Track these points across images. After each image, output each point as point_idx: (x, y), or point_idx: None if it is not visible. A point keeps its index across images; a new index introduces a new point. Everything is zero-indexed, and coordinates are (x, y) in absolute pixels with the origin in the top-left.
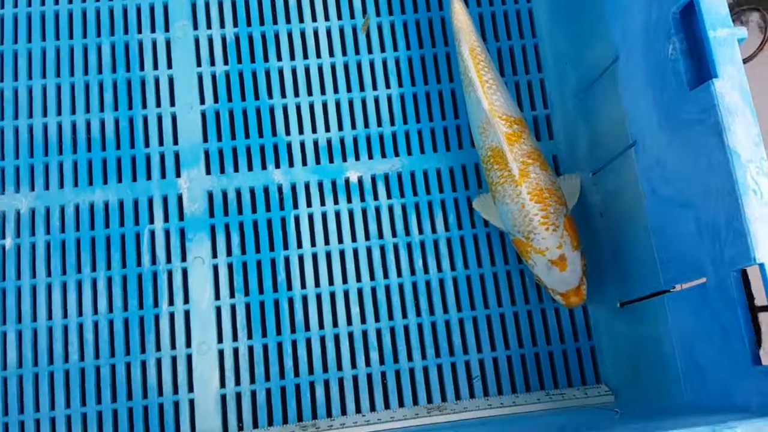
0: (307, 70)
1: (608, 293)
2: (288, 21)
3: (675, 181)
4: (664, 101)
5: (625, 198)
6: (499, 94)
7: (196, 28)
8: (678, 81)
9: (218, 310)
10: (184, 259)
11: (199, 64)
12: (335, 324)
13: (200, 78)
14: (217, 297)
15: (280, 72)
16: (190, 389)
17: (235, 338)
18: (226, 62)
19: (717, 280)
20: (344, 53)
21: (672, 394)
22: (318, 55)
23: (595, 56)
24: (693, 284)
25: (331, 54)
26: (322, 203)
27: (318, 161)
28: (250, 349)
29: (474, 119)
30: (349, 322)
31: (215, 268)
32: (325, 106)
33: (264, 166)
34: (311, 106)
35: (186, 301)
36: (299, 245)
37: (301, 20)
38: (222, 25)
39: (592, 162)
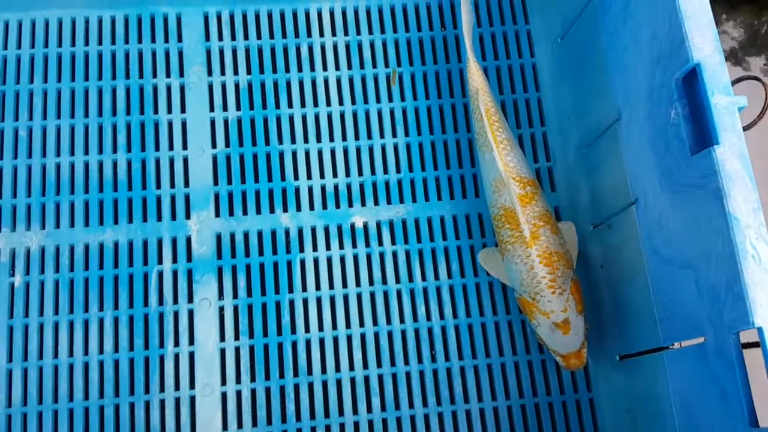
0: (316, 117)
1: (608, 345)
2: (300, 70)
3: (676, 242)
4: (666, 164)
5: (626, 253)
6: (513, 155)
7: (210, 74)
8: (680, 145)
9: (222, 352)
10: (190, 300)
11: (212, 109)
12: (338, 369)
13: (212, 122)
14: (222, 339)
15: (290, 118)
16: (193, 431)
17: (238, 381)
18: (238, 108)
19: (716, 341)
20: (353, 102)
21: None
22: (327, 103)
23: (597, 114)
24: (692, 343)
25: (341, 102)
26: (328, 248)
27: (325, 206)
28: (253, 392)
29: (487, 178)
30: (352, 367)
31: (221, 310)
32: (333, 152)
33: (272, 210)
34: (319, 153)
35: (191, 342)
36: (304, 288)
37: (312, 69)
38: (236, 72)
39: (593, 215)
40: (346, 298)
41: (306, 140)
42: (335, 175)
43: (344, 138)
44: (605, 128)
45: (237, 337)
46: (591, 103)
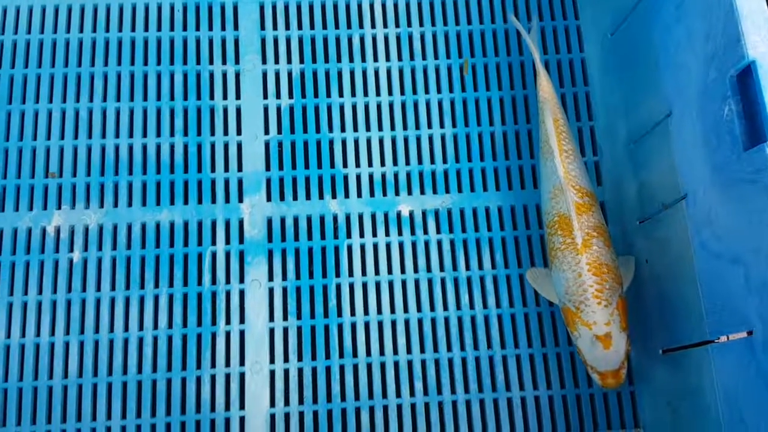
0: (366, 107)
1: (650, 339)
2: (351, 60)
3: (725, 237)
4: (717, 159)
5: (672, 248)
6: (575, 165)
7: (264, 62)
8: (732, 141)
9: (272, 331)
10: (242, 280)
11: (265, 97)
12: (382, 353)
13: (266, 110)
14: (271, 319)
15: (341, 107)
16: (242, 407)
17: (286, 360)
18: (290, 96)
19: (765, 335)
20: (402, 92)
21: None
22: (377, 93)
23: (647, 109)
24: (739, 336)
25: (390, 92)
26: (374, 234)
27: (372, 194)
28: (300, 371)
29: (546, 185)
30: (396, 351)
31: (271, 291)
32: (381, 141)
33: (321, 196)
34: (368, 141)
35: (242, 321)
36: (350, 274)
37: (363, 59)
38: (289, 61)
39: (639, 210)
40: (391, 284)
41: (355, 129)
42: (383, 163)
43: (392, 127)
44: (655, 124)
45: (285, 318)
46: (641, 99)
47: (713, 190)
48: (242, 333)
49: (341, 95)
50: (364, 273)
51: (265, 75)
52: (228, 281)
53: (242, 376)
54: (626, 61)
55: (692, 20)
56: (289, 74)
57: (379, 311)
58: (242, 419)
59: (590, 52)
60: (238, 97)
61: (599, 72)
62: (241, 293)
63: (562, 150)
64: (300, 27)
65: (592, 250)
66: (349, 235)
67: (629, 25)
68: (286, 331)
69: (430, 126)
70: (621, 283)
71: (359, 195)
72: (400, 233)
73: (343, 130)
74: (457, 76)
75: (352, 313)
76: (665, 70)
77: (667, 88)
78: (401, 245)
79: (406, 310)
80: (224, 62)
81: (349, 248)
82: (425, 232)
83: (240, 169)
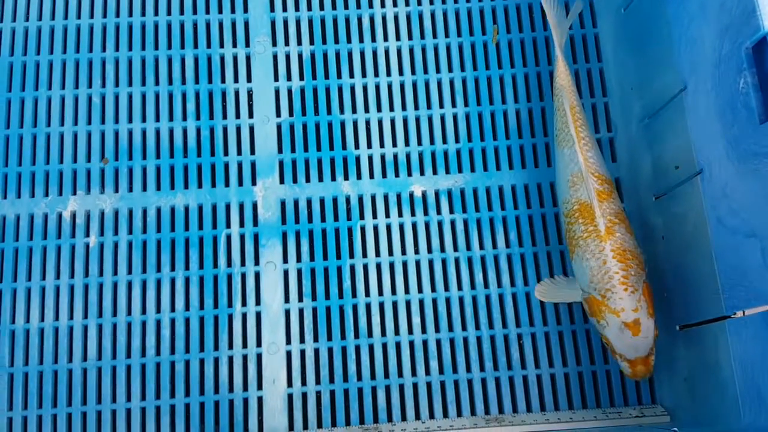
0: (377, 87)
1: (668, 315)
2: (361, 40)
3: (741, 212)
4: (733, 133)
5: (688, 223)
6: (593, 152)
7: (275, 44)
8: (748, 114)
9: (287, 313)
10: (257, 263)
11: (276, 79)
12: (397, 332)
13: (277, 92)
14: (287, 300)
15: (352, 88)
16: (259, 387)
17: (302, 340)
18: (302, 78)
19: None
20: (413, 72)
21: (730, 418)
22: (388, 74)
23: (662, 84)
24: (756, 311)
25: (401, 72)
26: (387, 215)
27: (384, 175)
28: (316, 351)
29: (563, 173)
30: (410, 331)
31: (285, 272)
32: (393, 122)
33: (333, 178)
34: (380, 122)
35: (258, 302)
36: (364, 254)
37: (374, 40)
38: (299, 43)
39: (655, 186)
40: (405, 264)
41: (367, 110)
42: (395, 144)
43: (404, 108)
44: (670, 98)
45: (300, 299)
46: (655, 74)
47: (729, 165)
48: (258, 315)
49: (352, 76)
50: (377, 254)
51: (275, 57)
52: (243, 264)
53: (259, 357)
54: (639, 35)
55: None
56: (300, 56)
57: (394, 291)
58: (260, 399)
59: (603, 27)
60: (249, 80)
61: (612, 47)
62: (257, 275)
63: (581, 137)
64: (309, 8)
65: (615, 236)
66: (362, 216)
67: (642, 0)
68: (301, 312)
69: (441, 105)
70: (645, 270)
71: (372, 176)
72: (413, 214)
73: (354, 111)
74: (468, 55)
75: (367, 294)
76: (679, 43)
77: (681, 62)
78: (414, 225)
79: (420, 290)
80: (234, 45)
81: (363, 229)
82: (438, 212)
83: (252, 152)
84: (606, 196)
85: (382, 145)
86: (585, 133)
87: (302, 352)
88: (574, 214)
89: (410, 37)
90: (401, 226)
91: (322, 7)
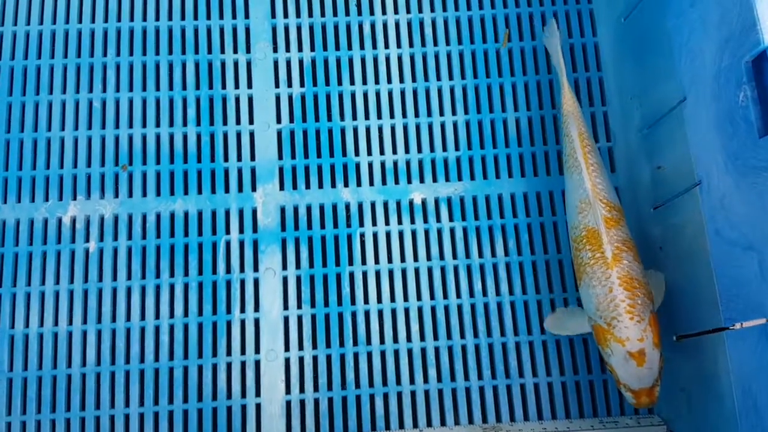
0: (377, 95)
1: (664, 326)
2: (362, 47)
3: (740, 224)
4: (732, 146)
5: (687, 234)
6: (602, 179)
7: (275, 50)
8: (747, 128)
9: (286, 319)
10: (256, 269)
11: (277, 86)
12: (395, 340)
13: (278, 98)
14: (286, 307)
15: (353, 95)
16: (257, 394)
17: (301, 347)
18: (302, 84)
19: None
20: (414, 79)
21: (726, 429)
22: (389, 81)
23: (661, 95)
24: (754, 323)
25: (401, 80)
26: (387, 223)
27: (384, 182)
28: (315, 359)
29: (572, 199)
30: (409, 338)
31: (285, 279)
32: (393, 129)
33: (333, 185)
34: (380, 129)
35: (256, 309)
36: (363, 262)
37: (374, 47)
38: (300, 49)
39: (653, 196)
40: (404, 272)
41: (367, 117)
42: (395, 151)
43: (404, 115)
44: (670, 109)
45: (299, 306)
46: (655, 84)
47: (728, 177)
48: (257, 321)
49: (353, 83)
50: (377, 261)
51: (276, 63)
52: (242, 270)
53: (257, 363)
54: (640, 45)
55: (706, 5)
56: (301, 62)
57: (393, 299)
58: (258, 406)
59: (603, 36)
60: (249, 86)
61: (612, 57)
62: (256, 282)
63: (589, 164)
64: (311, 15)
65: (622, 264)
66: (361, 224)
67: (642, 10)
68: (300, 319)
69: (442, 113)
70: (652, 299)
71: (371, 183)
72: (412, 221)
73: (354, 118)
74: (469, 63)
75: (366, 301)
76: (679, 55)
77: (681, 73)
78: (414, 233)
79: (419, 297)
80: (235, 51)
81: (362, 236)
82: (438, 219)
83: (252, 158)
84: (614, 223)
85: (382, 152)
86: (594, 159)
87: (301, 359)
88: (582, 240)
89: (411, 45)
90: (401, 234)
91: (323, 14)
